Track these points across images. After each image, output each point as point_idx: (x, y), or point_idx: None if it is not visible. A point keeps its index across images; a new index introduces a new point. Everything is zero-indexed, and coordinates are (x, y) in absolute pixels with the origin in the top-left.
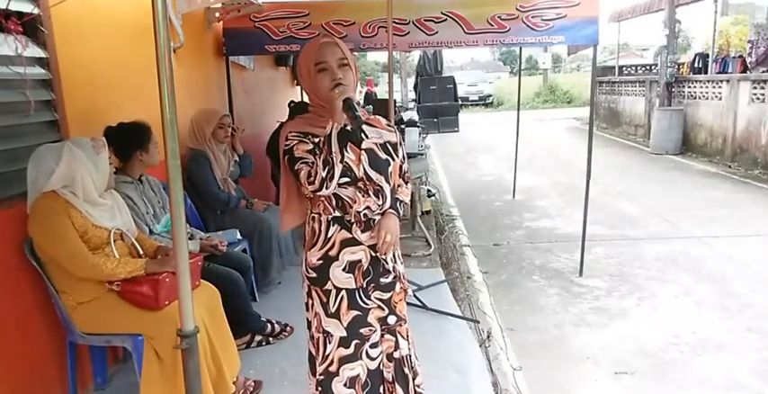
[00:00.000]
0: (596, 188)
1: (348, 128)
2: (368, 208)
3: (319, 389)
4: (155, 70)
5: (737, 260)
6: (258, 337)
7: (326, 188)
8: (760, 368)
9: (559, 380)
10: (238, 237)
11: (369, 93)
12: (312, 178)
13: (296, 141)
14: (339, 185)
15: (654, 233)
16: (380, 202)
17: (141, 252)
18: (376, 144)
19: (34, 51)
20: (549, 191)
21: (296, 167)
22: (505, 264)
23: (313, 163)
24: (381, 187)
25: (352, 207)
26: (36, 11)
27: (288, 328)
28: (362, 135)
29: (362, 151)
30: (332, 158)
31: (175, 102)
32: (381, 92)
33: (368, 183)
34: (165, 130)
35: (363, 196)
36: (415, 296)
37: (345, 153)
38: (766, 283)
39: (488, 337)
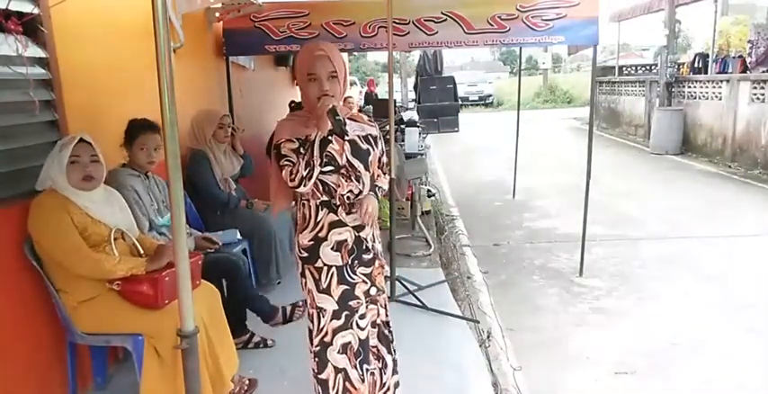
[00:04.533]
0: (596, 188)
1: (330, 137)
2: (350, 191)
3: (316, 359)
4: (155, 70)
5: (737, 260)
6: (256, 339)
7: (304, 186)
8: (760, 368)
9: (559, 380)
10: (238, 237)
11: (369, 93)
12: (293, 176)
13: (285, 139)
14: (324, 173)
15: (654, 233)
16: (360, 187)
17: (142, 252)
18: (358, 136)
19: (34, 51)
20: (549, 191)
21: (281, 163)
22: (505, 264)
23: (295, 163)
24: (361, 174)
25: (336, 191)
26: (36, 11)
27: (300, 304)
28: (346, 131)
29: (346, 142)
30: (313, 161)
31: (175, 103)
32: (381, 92)
33: (350, 169)
34: (165, 130)
35: (346, 181)
36: (414, 296)
37: (331, 145)
38: (766, 283)
39: (488, 337)
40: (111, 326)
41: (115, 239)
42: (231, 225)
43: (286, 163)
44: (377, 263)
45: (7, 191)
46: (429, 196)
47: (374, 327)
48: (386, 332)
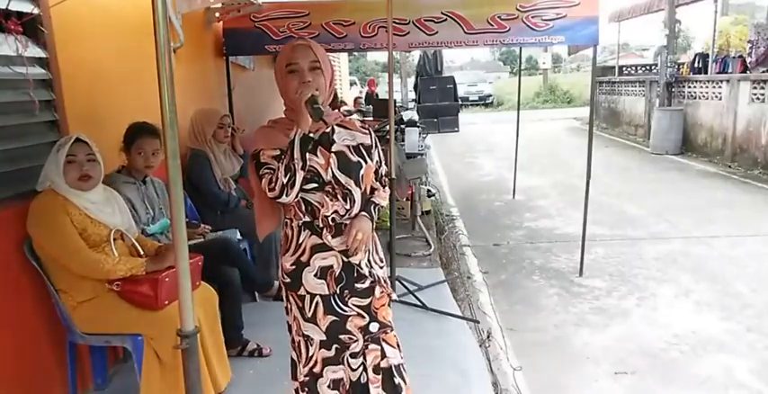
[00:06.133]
0: (596, 188)
1: (312, 135)
2: (336, 212)
3: (305, 390)
4: (155, 70)
5: (737, 260)
6: (251, 346)
7: (287, 195)
8: (760, 368)
9: (559, 380)
10: (238, 237)
11: (370, 93)
12: (273, 185)
13: (263, 146)
14: (307, 191)
15: (654, 233)
16: (348, 207)
17: (142, 252)
18: (348, 146)
19: (34, 51)
20: (549, 191)
21: (260, 173)
22: (505, 264)
23: (276, 169)
24: (350, 191)
25: (320, 211)
26: (36, 11)
27: (265, 351)
28: (333, 138)
29: (332, 154)
30: (293, 165)
31: (175, 103)
32: (381, 92)
33: (336, 186)
34: (165, 130)
35: (331, 200)
36: (414, 296)
37: (314, 158)
38: (766, 283)
39: (488, 337)
40: (111, 326)
41: (114, 240)
42: (231, 225)
43: (266, 171)
44: (377, 292)
45: (7, 191)
46: (429, 196)
47: (377, 373)
48: (396, 380)
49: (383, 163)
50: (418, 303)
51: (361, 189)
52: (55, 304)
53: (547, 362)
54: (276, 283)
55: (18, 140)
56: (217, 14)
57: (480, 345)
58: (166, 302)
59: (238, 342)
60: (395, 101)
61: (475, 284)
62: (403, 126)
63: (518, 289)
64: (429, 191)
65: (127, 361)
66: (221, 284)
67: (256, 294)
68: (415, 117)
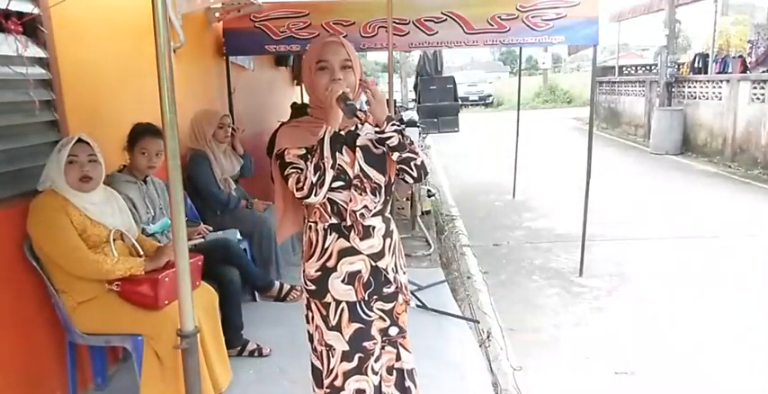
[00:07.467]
0: (596, 188)
1: (342, 132)
2: (365, 207)
3: None
4: (155, 70)
5: (738, 260)
6: (251, 346)
7: (315, 195)
8: (761, 368)
9: (559, 380)
10: (238, 237)
11: None
12: (301, 184)
13: (288, 145)
14: (333, 189)
15: (654, 233)
16: (377, 200)
17: (142, 252)
18: (371, 140)
19: (34, 51)
20: (549, 191)
21: (286, 173)
22: (505, 264)
23: (303, 169)
24: (379, 184)
25: (347, 210)
26: (36, 11)
27: (299, 288)
28: (357, 132)
29: (357, 149)
30: (323, 164)
31: (175, 103)
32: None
33: (364, 180)
34: (165, 130)
35: (360, 194)
36: (415, 296)
37: (340, 155)
38: (766, 283)
39: (488, 337)
40: (111, 326)
41: (114, 240)
42: (231, 225)
43: (292, 170)
44: (400, 298)
45: (7, 191)
46: (429, 196)
47: (390, 374)
48: (407, 383)
49: (409, 137)
50: (418, 303)
51: (386, 178)
52: (55, 304)
53: (547, 362)
54: (277, 283)
55: (18, 140)
56: (217, 14)
57: (480, 345)
58: (166, 302)
59: (238, 342)
60: (395, 101)
61: (475, 284)
62: (403, 126)
63: (518, 289)
64: (429, 191)
65: (127, 361)
66: (221, 284)
67: (256, 294)
68: (415, 117)
